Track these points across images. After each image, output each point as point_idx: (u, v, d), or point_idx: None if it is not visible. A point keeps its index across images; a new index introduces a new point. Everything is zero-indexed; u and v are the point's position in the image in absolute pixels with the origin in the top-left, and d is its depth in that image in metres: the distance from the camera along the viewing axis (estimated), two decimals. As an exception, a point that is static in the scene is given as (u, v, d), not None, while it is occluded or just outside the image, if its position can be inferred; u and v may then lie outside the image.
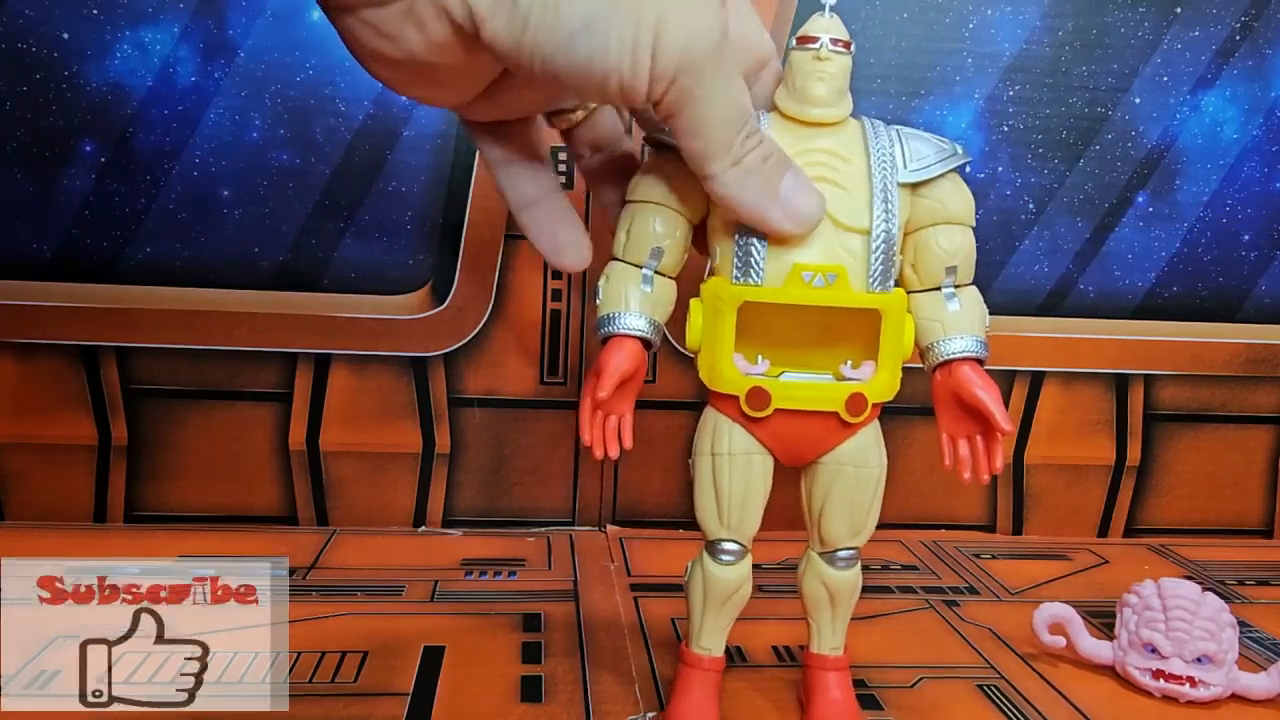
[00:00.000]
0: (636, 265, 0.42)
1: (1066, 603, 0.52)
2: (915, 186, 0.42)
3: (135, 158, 0.62)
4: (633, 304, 0.42)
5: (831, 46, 0.41)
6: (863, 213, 0.40)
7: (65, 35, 0.61)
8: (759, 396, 0.41)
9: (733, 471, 0.42)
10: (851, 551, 0.44)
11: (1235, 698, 0.49)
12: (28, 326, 0.63)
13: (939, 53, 0.67)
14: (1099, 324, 0.71)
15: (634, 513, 0.70)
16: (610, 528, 0.70)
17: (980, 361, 0.43)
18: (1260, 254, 0.72)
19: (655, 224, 0.42)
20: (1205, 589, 0.50)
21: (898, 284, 0.42)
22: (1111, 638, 0.51)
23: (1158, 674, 0.48)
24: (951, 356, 0.42)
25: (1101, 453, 0.73)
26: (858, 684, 0.49)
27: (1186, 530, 0.75)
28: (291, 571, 0.60)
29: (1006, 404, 0.71)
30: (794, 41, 0.41)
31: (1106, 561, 0.69)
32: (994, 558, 0.68)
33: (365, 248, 0.65)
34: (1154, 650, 0.49)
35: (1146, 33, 0.68)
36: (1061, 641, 0.52)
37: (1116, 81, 0.68)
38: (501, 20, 0.32)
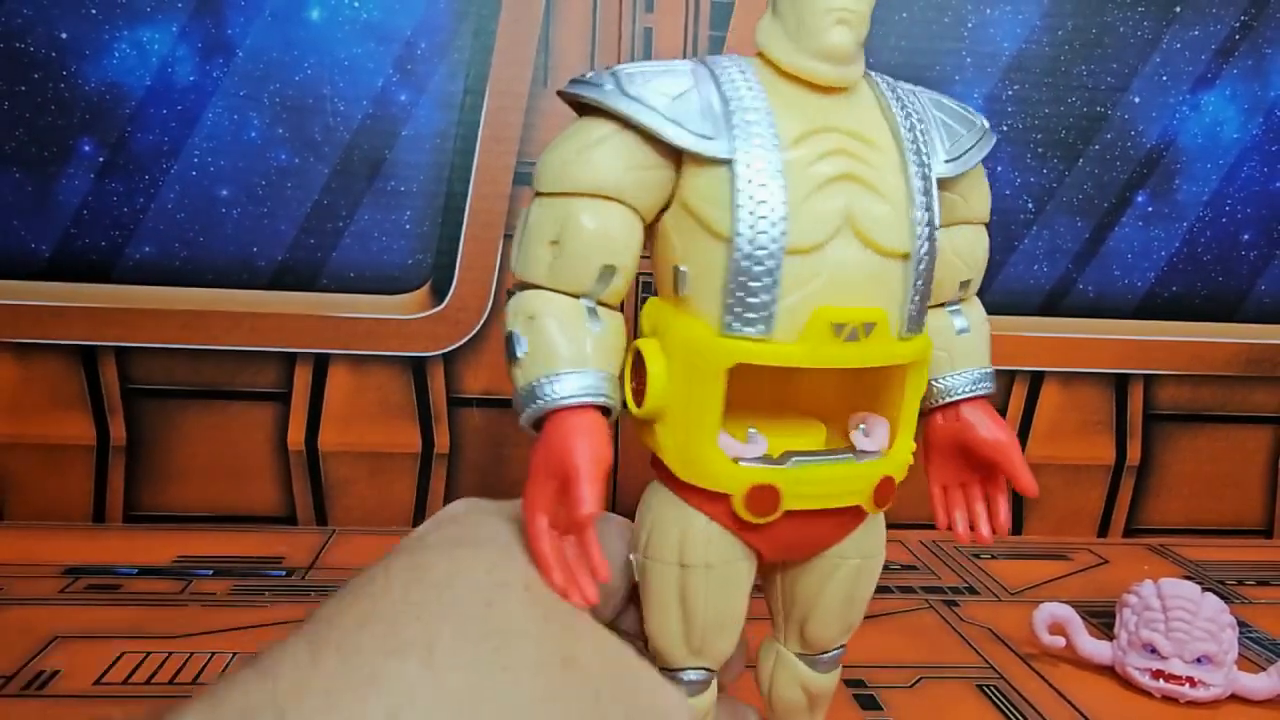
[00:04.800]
0: (572, 294, 0.28)
1: (1066, 603, 0.52)
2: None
3: (134, 157, 0.62)
4: (577, 355, 0.28)
5: None
6: (903, 228, 0.28)
7: (63, 34, 0.61)
8: (765, 497, 0.28)
9: (710, 587, 0.30)
10: (839, 650, 0.34)
11: (1235, 698, 0.49)
12: (26, 326, 0.63)
13: (938, 52, 0.66)
14: (1099, 324, 0.71)
15: (633, 511, 0.70)
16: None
17: (989, 398, 0.34)
18: (1260, 253, 0.72)
19: (603, 227, 0.28)
20: (1205, 589, 0.50)
21: None
22: (1111, 638, 0.51)
23: (1157, 674, 0.48)
24: (959, 396, 0.33)
25: (1101, 453, 0.73)
26: (857, 684, 0.49)
27: (1186, 530, 0.75)
28: (290, 572, 0.60)
29: (1005, 404, 0.72)
30: None
31: (1106, 561, 0.69)
32: (994, 558, 0.68)
33: (364, 247, 0.65)
34: (1154, 650, 0.49)
35: (1146, 32, 0.68)
36: (1061, 641, 0.51)
37: (1116, 81, 0.68)
38: None
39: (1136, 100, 0.69)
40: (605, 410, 0.28)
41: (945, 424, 0.34)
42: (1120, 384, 0.72)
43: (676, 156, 0.28)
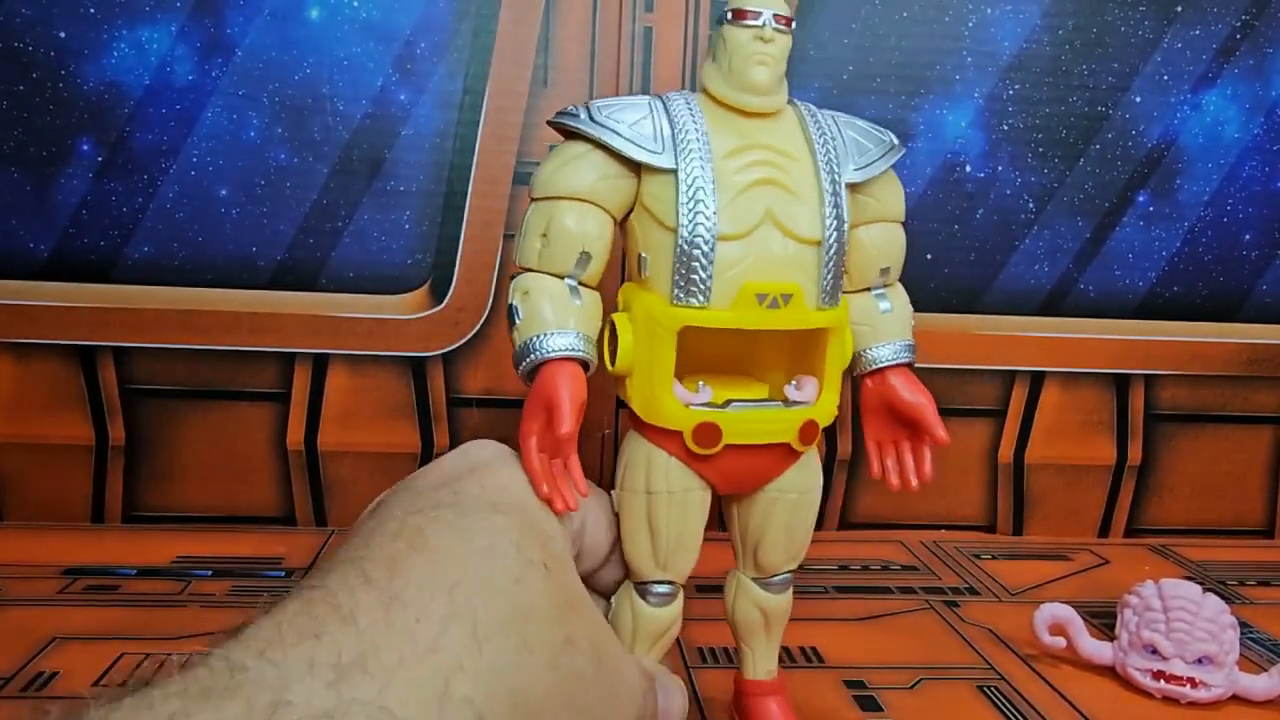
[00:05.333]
0: (558, 276, 0.37)
1: (1067, 603, 0.52)
2: (855, 183, 0.38)
3: (133, 157, 0.62)
4: (562, 320, 0.36)
5: (775, 25, 0.36)
6: (815, 221, 0.36)
7: (62, 34, 0.61)
8: (708, 433, 0.36)
9: (670, 510, 0.38)
10: (788, 575, 0.41)
11: (1236, 699, 0.49)
12: (24, 326, 0.63)
13: (939, 51, 0.66)
14: (1099, 324, 0.71)
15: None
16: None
17: (910, 366, 0.41)
18: (1261, 253, 0.72)
19: (581, 223, 0.36)
20: (1206, 590, 0.49)
21: None
22: (1112, 638, 0.51)
23: (1158, 675, 0.48)
24: (884, 364, 0.40)
25: (1102, 453, 0.73)
26: (857, 685, 0.49)
27: (1187, 531, 0.74)
28: (289, 573, 0.60)
29: (1006, 404, 0.71)
30: (729, 14, 0.36)
31: (1107, 562, 0.69)
32: (994, 558, 0.68)
33: (363, 247, 0.65)
34: (1155, 651, 0.48)
35: (1147, 32, 0.68)
36: (1062, 642, 0.51)
37: (1117, 80, 0.68)
38: None
39: (1137, 100, 0.68)
40: (584, 364, 0.36)
41: (874, 388, 0.41)
42: (1121, 384, 0.72)
43: (636, 169, 0.37)
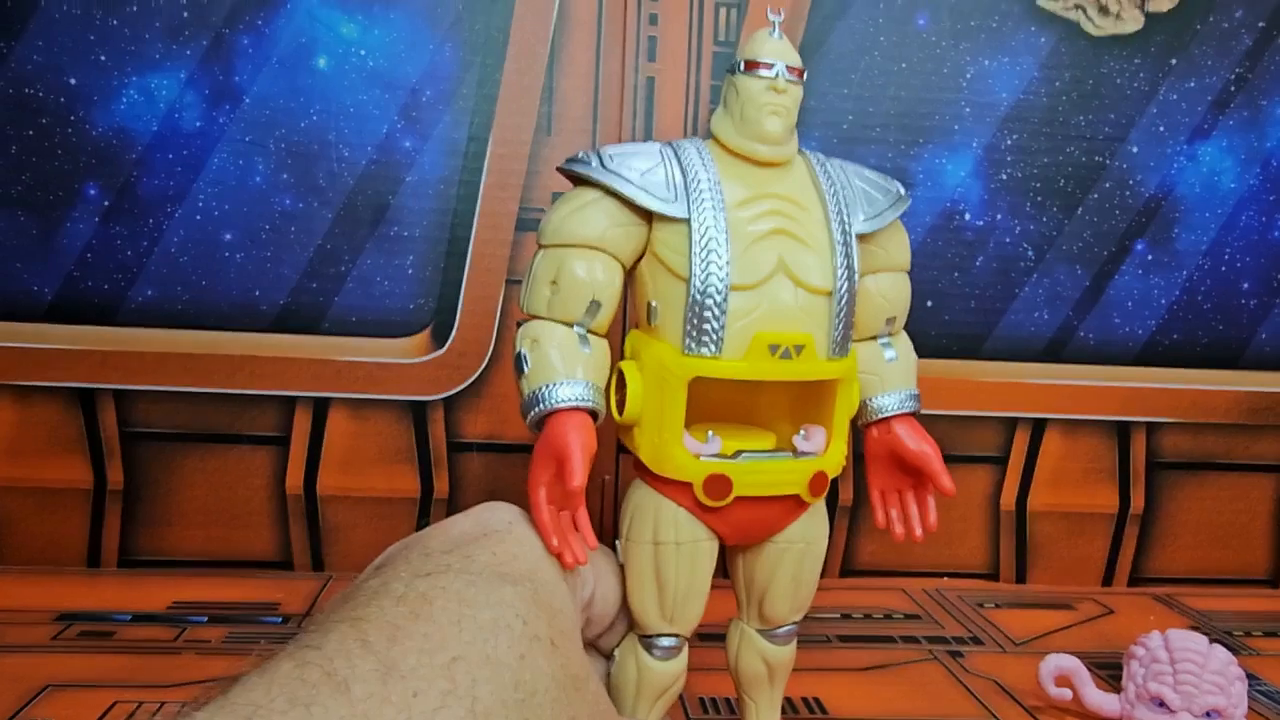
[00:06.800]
0: (567, 324, 0.36)
1: (1072, 654, 0.52)
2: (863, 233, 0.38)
3: (139, 201, 0.63)
4: (571, 369, 0.35)
5: (788, 76, 0.36)
6: (826, 272, 0.36)
7: (72, 81, 0.61)
8: (719, 484, 0.36)
9: (679, 562, 0.37)
10: (793, 626, 0.40)
11: (1246, 753, 0.48)
12: (27, 369, 0.63)
13: (937, 102, 0.67)
14: (1100, 371, 0.71)
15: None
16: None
17: (915, 414, 0.41)
18: (1260, 302, 0.72)
19: (591, 271, 0.36)
20: (1213, 641, 0.49)
21: None
22: (1118, 690, 0.50)
23: (1167, 728, 0.47)
24: (889, 413, 0.40)
25: (1105, 500, 0.73)
26: (861, 737, 0.48)
27: (1192, 580, 0.74)
28: (286, 619, 0.59)
29: (1008, 451, 0.71)
30: (741, 64, 0.36)
31: (1112, 611, 0.68)
32: (998, 607, 0.68)
33: (366, 292, 0.65)
34: (1162, 704, 0.48)
35: (1142, 84, 0.69)
36: (1068, 694, 0.51)
37: (1113, 131, 0.69)
38: None
39: (1134, 150, 0.69)
40: (593, 414, 0.35)
41: (879, 437, 0.41)
42: (1123, 431, 0.72)
43: (647, 216, 0.36)
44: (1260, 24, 0.69)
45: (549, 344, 0.36)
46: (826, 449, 0.38)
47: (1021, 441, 0.71)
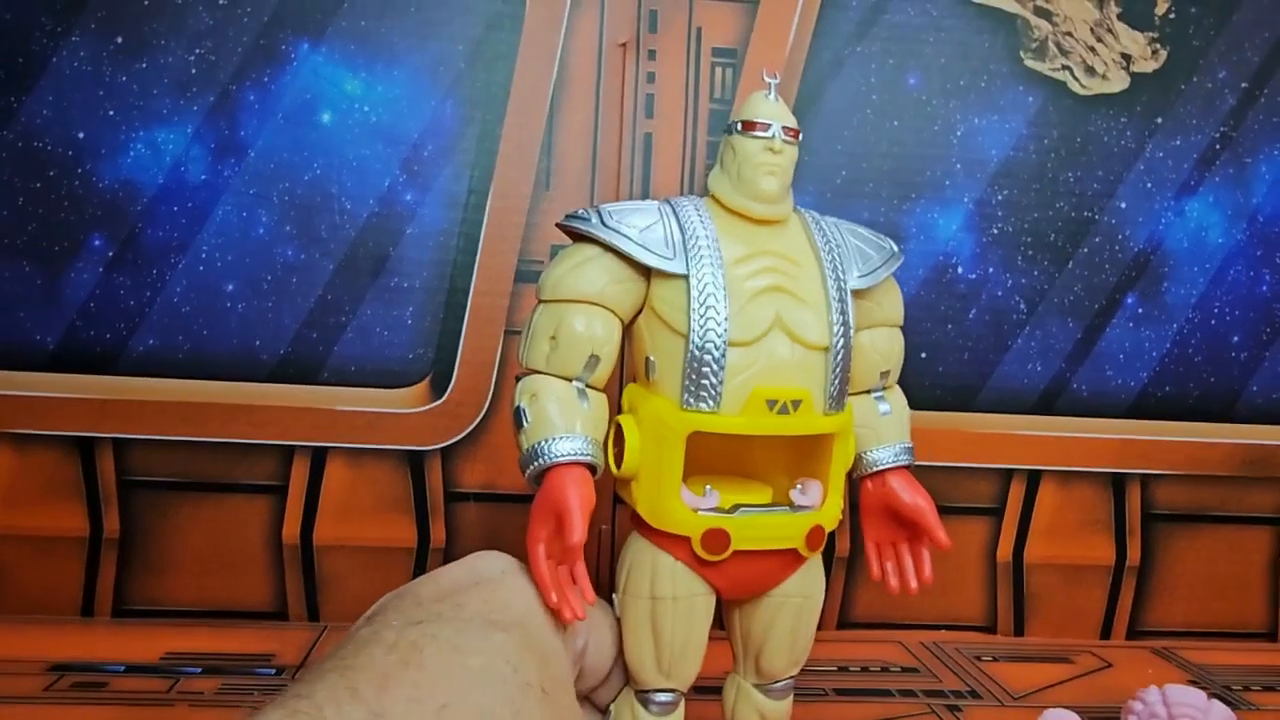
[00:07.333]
0: (566, 378, 0.36)
1: (1070, 708, 0.51)
2: (859, 290, 0.39)
3: (142, 252, 0.63)
4: (570, 424, 0.35)
5: (784, 136, 0.37)
6: (822, 328, 0.37)
7: (81, 135, 0.63)
8: (717, 538, 0.36)
9: (676, 616, 0.37)
10: (790, 680, 0.41)
11: (1246, 810, 0.47)
12: (26, 418, 0.63)
13: (929, 158, 0.69)
14: (1094, 423, 0.72)
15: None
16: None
17: (909, 468, 0.41)
18: (1250, 355, 0.73)
19: (590, 327, 0.36)
20: (1211, 695, 0.49)
21: None
22: (1117, 745, 0.50)
23: (1166, 784, 0.47)
24: (884, 466, 0.41)
25: (1101, 552, 0.73)
26: (859, 792, 0.48)
27: (1189, 633, 0.74)
28: (280, 670, 0.59)
29: (1004, 502, 0.71)
30: (738, 125, 0.37)
31: (1110, 665, 0.68)
32: (995, 660, 0.67)
33: (366, 342, 0.66)
34: (1161, 759, 0.48)
35: (1129, 141, 0.70)
36: (1066, 749, 0.50)
37: (1102, 187, 0.70)
38: None
39: (1123, 206, 0.70)
40: (592, 468, 0.36)
41: (874, 490, 0.41)
42: (1118, 483, 0.72)
43: (645, 273, 0.37)
44: (1243, 84, 0.70)
45: (548, 399, 0.36)
46: (823, 503, 0.38)
47: (1017, 493, 0.72)
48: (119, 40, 0.62)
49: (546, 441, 0.35)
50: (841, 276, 0.37)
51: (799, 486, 0.39)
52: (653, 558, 0.37)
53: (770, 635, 0.39)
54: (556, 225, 0.39)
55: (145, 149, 0.63)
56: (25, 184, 0.62)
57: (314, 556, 0.66)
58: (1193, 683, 0.59)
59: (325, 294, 0.65)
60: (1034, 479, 0.72)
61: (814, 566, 0.40)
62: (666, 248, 0.36)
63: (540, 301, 0.38)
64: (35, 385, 0.63)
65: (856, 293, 0.39)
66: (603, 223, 0.37)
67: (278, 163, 0.64)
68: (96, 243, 0.63)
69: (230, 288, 0.64)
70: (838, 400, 0.37)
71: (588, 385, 0.37)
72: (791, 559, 0.38)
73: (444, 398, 0.66)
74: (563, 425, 0.35)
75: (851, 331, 0.37)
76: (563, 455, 0.35)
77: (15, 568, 0.64)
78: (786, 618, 0.39)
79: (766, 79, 0.38)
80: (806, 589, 0.39)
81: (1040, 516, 0.72)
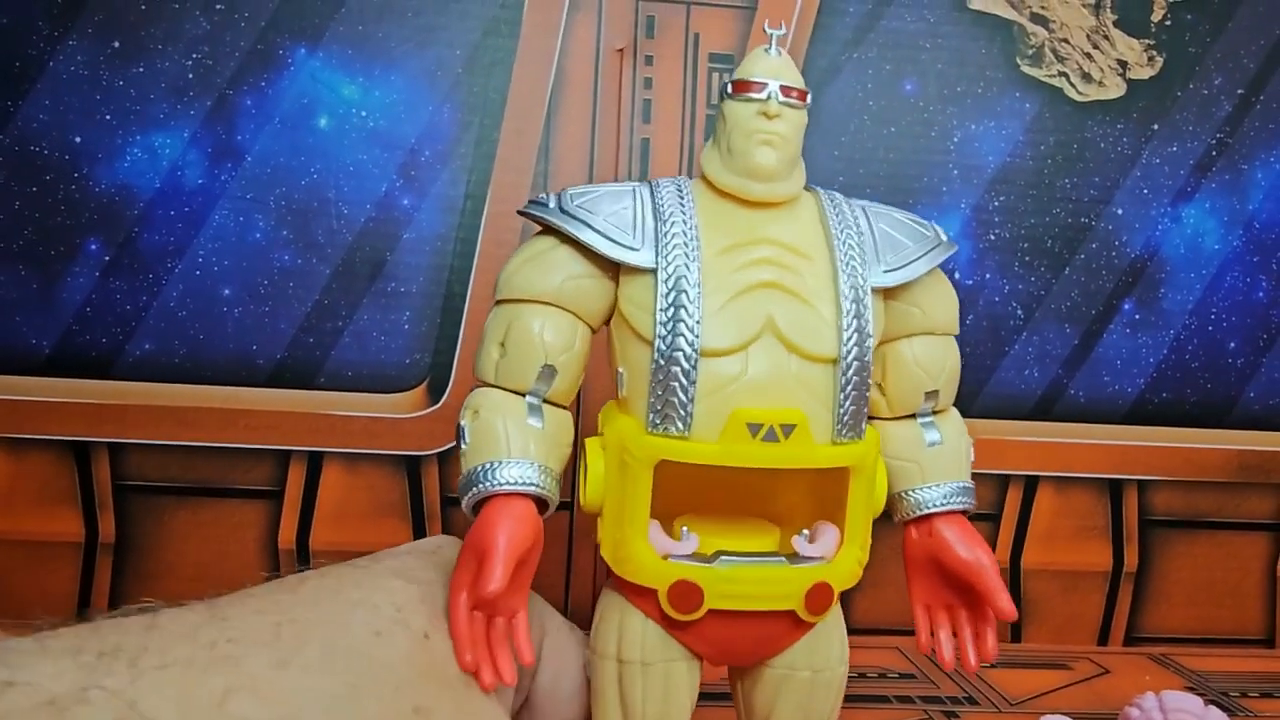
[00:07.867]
0: (518, 393, 0.30)
1: (1068, 714, 0.51)
2: (891, 289, 0.31)
3: (139, 256, 0.63)
4: (516, 447, 0.29)
5: (783, 98, 0.30)
6: (829, 335, 0.29)
7: (78, 139, 0.62)
8: (687, 594, 0.29)
9: (646, 685, 0.30)
10: None
11: (1244, 817, 0.47)
12: (21, 422, 0.63)
13: (926, 164, 0.69)
14: (1091, 429, 0.72)
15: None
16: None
17: (966, 513, 0.33)
18: (1247, 361, 0.73)
19: (543, 331, 0.30)
20: (1208, 702, 0.49)
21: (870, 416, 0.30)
22: (1114, 752, 0.50)
23: (1163, 791, 0.47)
24: (930, 510, 0.32)
25: (1098, 558, 0.73)
26: (855, 800, 0.47)
27: (1186, 639, 0.73)
28: (275, 675, 0.58)
29: (1001, 508, 0.71)
30: (729, 86, 0.31)
31: (1107, 671, 0.68)
32: (993, 666, 0.67)
33: (363, 347, 0.65)
34: (1158, 765, 0.47)
35: (1125, 148, 0.70)
36: (1064, 755, 0.50)
37: (1098, 194, 0.70)
38: None
39: (1119, 212, 0.71)
40: (541, 502, 0.29)
41: (920, 539, 0.33)
42: (1115, 489, 0.72)
43: (614, 268, 0.31)
44: (1239, 91, 0.71)
45: (493, 416, 0.30)
46: (836, 555, 0.31)
47: (1014, 499, 0.72)
48: (116, 44, 0.62)
49: (486, 467, 0.29)
50: (859, 271, 0.30)
51: (805, 533, 0.31)
52: (620, 613, 0.31)
53: (775, 713, 0.31)
54: (518, 212, 0.33)
55: (142, 153, 0.63)
56: (21, 188, 0.62)
57: (310, 561, 0.66)
58: (1190, 689, 0.59)
59: (322, 299, 0.65)
60: (1031, 485, 0.72)
61: (828, 632, 0.31)
62: (634, 236, 0.30)
63: (495, 301, 0.32)
64: (31, 390, 0.63)
65: (887, 292, 0.32)
66: (560, 208, 0.31)
67: (275, 167, 0.64)
68: (93, 247, 0.63)
69: (227, 292, 0.64)
70: (852, 426, 0.30)
71: (546, 401, 0.31)
72: (791, 623, 0.30)
73: (441, 403, 0.66)
74: (506, 449, 0.29)
75: (870, 340, 0.30)
76: (502, 484, 0.29)
77: (10, 573, 0.64)
78: (793, 695, 0.31)
79: (768, 30, 0.31)
80: (817, 660, 0.31)
81: (1037, 522, 0.72)
